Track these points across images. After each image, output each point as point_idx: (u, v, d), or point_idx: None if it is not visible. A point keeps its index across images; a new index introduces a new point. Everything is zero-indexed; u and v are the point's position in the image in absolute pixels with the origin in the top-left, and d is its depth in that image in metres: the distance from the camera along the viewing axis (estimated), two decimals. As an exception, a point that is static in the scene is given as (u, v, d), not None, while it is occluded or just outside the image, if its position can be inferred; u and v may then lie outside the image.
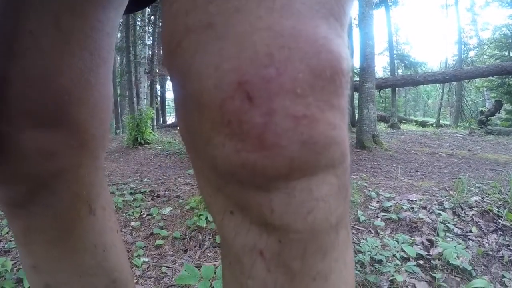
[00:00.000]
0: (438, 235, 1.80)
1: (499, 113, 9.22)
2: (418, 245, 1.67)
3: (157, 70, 11.73)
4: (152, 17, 10.58)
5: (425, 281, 1.38)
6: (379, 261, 1.43)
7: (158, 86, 13.13)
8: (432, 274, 1.42)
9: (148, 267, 1.69)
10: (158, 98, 12.48)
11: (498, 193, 2.69)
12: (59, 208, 0.46)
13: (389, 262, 1.44)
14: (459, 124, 10.14)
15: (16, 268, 1.54)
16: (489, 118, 8.32)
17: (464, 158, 4.65)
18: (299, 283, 0.29)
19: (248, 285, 0.30)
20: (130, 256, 1.77)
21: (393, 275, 1.35)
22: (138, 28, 9.34)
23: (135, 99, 8.40)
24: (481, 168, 4.02)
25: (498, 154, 5.13)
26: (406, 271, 1.42)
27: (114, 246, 0.53)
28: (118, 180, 3.68)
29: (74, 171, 0.46)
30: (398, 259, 1.48)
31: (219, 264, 1.28)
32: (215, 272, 0.96)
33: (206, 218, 1.92)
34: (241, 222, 0.28)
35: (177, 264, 1.65)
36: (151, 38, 11.00)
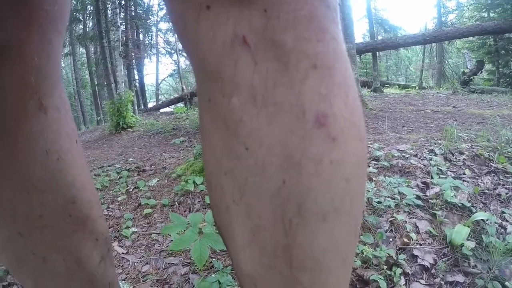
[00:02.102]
0: (432, 178, 1.77)
1: (481, 73, 9.29)
2: (414, 188, 1.64)
3: (133, 54, 11.38)
4: (123, 1, 10.17)
5: (426, 219, 1.34)
6: (378, 203, 1.39)
7: (135, 72, 12.77)
8: (433, 212, 1.39)
9: (138, 237, 1.62)
10: (137, 84, 12.14)
11: (487, 141, 2.68)
12: (1, 97, 0.37)
13: (387, 200, 1.40)
14: (441, 85, 10.20)
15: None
16: (471, 78, 8.37)
17: (450, 114, 4.67)
18: (295, 69, 0.23)
19: (233, 105, 0.26)
20: (119, 229, 1.70)
21: (393, 216, 1.31)
22: (109, 13, 8.99)
23: (113, 85, 8.18)
24: (467, 122, 4.04)
25: (482, 109, 5.17)
26: (405, 211, 1.38)
27: (71, 156, 0.44)
28: (103, 163, 3.56)
29: (19, 47, 0.36)
30: (395, 199, 1.44)
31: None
32: (203, 220, 0.89)
33: (194, 182, 1.84)
34: (219, 14, 0.25)
35: (167, 229, 1.57)
36: (124, 23, 10.64)
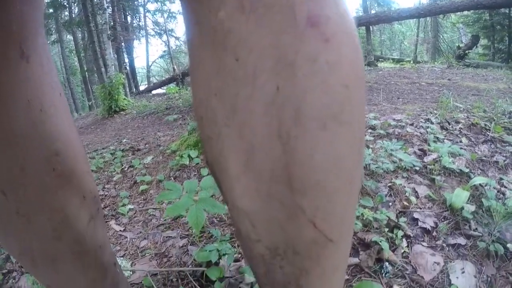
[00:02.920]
0: (429, 145, 1.76)
1: (476, 48, 9.21)
2: (411, 155, 1.62)
3: (122, 37, 11.13)
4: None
5: (425, 185, 1.33)
6: (376, 167, 1.38)
7: (125, 55, 12.51)
8: (431, 177, 1.38)
9: (134, 213, 1.60)
10: (128, 67, 11.92)
11: (483, 112, 2.67)
12: None
13: (386, 163, 1.38)
14: (436, 60, 10.13)
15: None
16: (466, 52, 8.29)
17: (445, 86, 4.64)
18: None
19: (220, 18, 0.24)
20: (115, 207, 1.68)
21: (392, 181, 1.30)
22: (95, -2, 8.73)
23: (103, 69, 8.04)
24: (462, 94, 4.02)
25: (478, 83, 5.13)
26: (403, 177, 1.37)
27: (54, 108, 0.41)
28: (97, 147, 3.52)
29: None
30: (394, 162, 1.42)
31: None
32: (199, 186, 0.86)
33: (189, 156, 1.82)
34: None
35: (164, 204, 1.56)
36: (110, 6, 10.35)
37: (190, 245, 1.15)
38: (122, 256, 1.24)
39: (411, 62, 9.33)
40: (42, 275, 0.48)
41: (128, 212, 1.59)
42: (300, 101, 0.24)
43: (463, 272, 0.84)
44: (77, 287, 0.50)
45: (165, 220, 1.41)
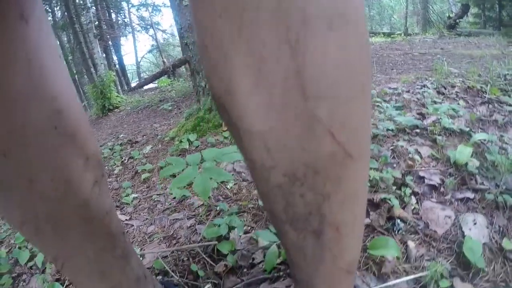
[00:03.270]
0: (427, 108, 1.75)
1: (466, 16, 9.12)
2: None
3: (108, 36, 10.97)
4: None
5: (427, 145, 1.32)
6: (377, 131, 1.37)
7: (113, 52, 12.36)
8: (432, 138, 1.37)
9: (139, 202, 1.59)
10: (117, 65, 11.79)
11: (478, 76, 2.66)
12: None
13: (387, 123, 1.38)
14: (427, 31, 10.04)
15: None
16: (457, 21, 8.22)
17: (438, 55, 4.61)
18: None
19: None
20: (119, 198, 1.67)
21: (393, 144, 1.29)
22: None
23: (92, 69, 7.96)
24: (456, 61, 3.99)
25: (471, 50, 5.10)
26: (405, 139, 1.36)
27: (54, 69, 0.40)
28: (94, 145, 3.48)
29: None
30: (396, 122, 1.42)
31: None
32: (202, 158, 0.85)
33: (188, 140, 1.80)
34: None
35: (167, 189, 1.55)
36: (93, 5, 10.16)
37: (198, 224, 1.15)
38: (131, 244, 1.23)
39: (402, 35, 9.26)
40: (48, 245, 0.46)
41: (132, 201, 1.58)
42: (305, 1, 0.23)
43: (475, 224, 0.84)
44: (85, 256, 0.48)
45: (170, 204, 1.40)
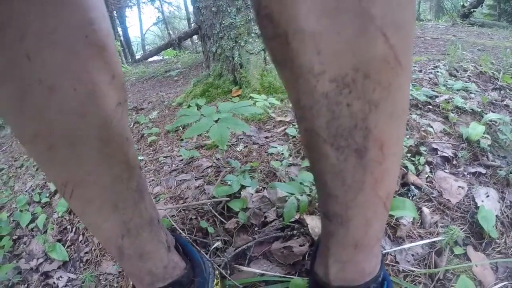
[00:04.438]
0: (439, 87, 1.73)
1: (481, 7, 8.87)
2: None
3: (113, 6, 10.74)
4: None
5: (439, 121, 1.31)
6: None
7: (118, 23, 12.13)
8: (445, 115, 1.36)
9: (145, 164, 1.58)
10: (122, 37, 11.60)
11: (491, 64, 2.61)
12: None
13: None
14: (440, 18, 9.82)
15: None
16: (471, 11, 8.01)
17: (450, 41, 4.51)
18: None
19: None
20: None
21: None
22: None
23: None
24: (469, 48, 3.92)
25: (484, 40, 4.99)
26: (417, 114, 1.34)
27: None
28: (97, 112, 3.46)
29: None
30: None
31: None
32: (217, 109, 0.84)
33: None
34: None
35: (174, 152, 1.54)
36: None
37: (206, 184, 1.14)
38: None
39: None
40: (60, 165, 0.43)
41: (138, 163, 1.58)
42: None
43: (487, 196, 0.84)
44: (99, 183, 0.45)
45: (177, 166, 1.40)
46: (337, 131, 0.33)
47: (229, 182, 0.94)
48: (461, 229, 0.77)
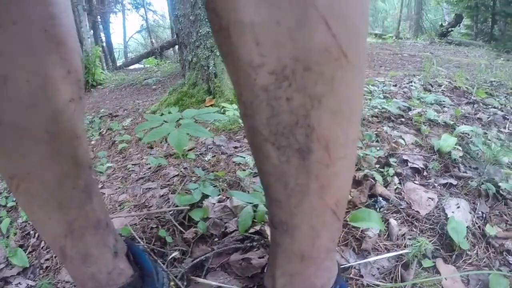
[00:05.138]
0: (413, 101, 1.74)
1: (459, 26, 9.24)
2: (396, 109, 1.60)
3: (97, 11, 10.64)
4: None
5: (411, 133, 1.31)
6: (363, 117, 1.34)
7: (101, 29, 11.99)
8: (417, 127, 1.36)
9: (113, 171, 1.52)
10: (104, 44, 11.46)
11: (465, 80, 2.68)
12: None
13: (371, 118, 1.35)
14: (419, 37, 10.15)
15: None
16: (449, 30, 8.33)
17: (427, 58, 4.65)
18: None
19: None
20: (94, 168, 1.60)
21: (378, 130, 1.27)
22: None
23: (78, 43, 7.75)
24: (445, 66, 4.04)
25: (460, 57, 5.17)
26: (389, 126, 1.34)
27: None
28: (72, 118, 3.37)
29: None
30: (382, 108, 1.39)
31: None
32: (180, 117, 0.80)
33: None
34: None
35: (143, 159, 1.48)
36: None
37: (171, 193, 1.09)
38: (100, 212, 1.18)
39: (394, 37, 9.33)
40: (6, 157, 0.43)
41: (106, 170, 1.51)
42: None
43: (458, 207, 0.82)
44: (45, 179, 0.44)
45: (144, 174, 1.34)
46: (277, 128, 0.30)
47: (192, 192, 0.89)
48: (430, 241, 0.75)
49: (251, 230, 0.74)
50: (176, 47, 8.84)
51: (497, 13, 9.30)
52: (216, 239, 0.78)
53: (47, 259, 1.03)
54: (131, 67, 9.35)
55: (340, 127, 0.31)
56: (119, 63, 11.53)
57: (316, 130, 0.30)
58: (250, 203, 0.71)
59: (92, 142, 2.03)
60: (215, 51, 1.90)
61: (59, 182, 0.46)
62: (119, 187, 1.32)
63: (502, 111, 1.87)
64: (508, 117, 1.75)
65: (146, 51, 8.65)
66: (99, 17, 11.19)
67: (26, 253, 1.06)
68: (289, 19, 0.26)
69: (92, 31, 10.40)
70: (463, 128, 1.30)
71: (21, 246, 1.11)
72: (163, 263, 0.78)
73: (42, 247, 1.09)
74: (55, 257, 1.02)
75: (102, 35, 11.95)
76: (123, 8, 13.97)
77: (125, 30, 15.03)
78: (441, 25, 8.85)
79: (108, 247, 0.55)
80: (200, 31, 1.92)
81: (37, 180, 0.44)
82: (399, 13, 12.91)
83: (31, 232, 1.18)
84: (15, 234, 1.18)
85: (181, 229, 0.84)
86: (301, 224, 0.37)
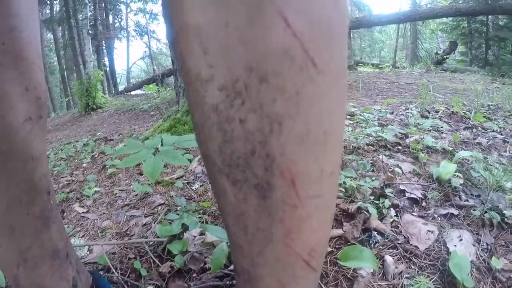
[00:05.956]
0: (409, 128, 1.70)
1: (454, 54, 9.40)
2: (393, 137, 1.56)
3: (102, 36, 10.90)
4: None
5: (408, 162, 1.26)
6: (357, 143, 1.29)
7: (105, 53, 12.24)
8: (415, 155, 1.31)
9: (100, 196, 1.47)
10: (107, 68, 11.66)
11: (462, 105, 2.67)
12: None
13: (366, 147, 1.30)
14: (415, 66, 10.32)
15: None
16: (444, 58, 8.46)
17: (424, 86, 4.67)
18: None
19: None
20: (81, 191, 1.55)
21: (374, 158, 1.22)
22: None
23: (81, 66, 7.94)
24: (441, 92, 4.05)
25: (456, 84, 5.21)
26: (386, 155, 1.29)
27: None
28: (70, 140, 3.37)
29: None
30: (373, 145, 1.34)
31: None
32: (161, 144, 0.75)
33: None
34: None
35: (131, 186, 1.43)
36: (91, 3, 10.17)
37: (154, 222, 1.03)
38: (82, 237, 1.12)
39: (390, 67, 9.47)
40: None
41: (93, 194, 1.46)
42: None
43: (461, 240, 0.76)
44: None
45: (130, 201, 1.28)
46: (231, 158, 0.25)
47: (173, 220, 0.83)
48: (431, 279, 0.68)
49: (231, 267, 0.67)
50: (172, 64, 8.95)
51: (491, 38, 9.50)
52: (194, 275, 0.72)
53: None
54: (132, 92, 9.46)
55: (311, 157, 0.25)
56: (121, 88, 11.68)
57: (278, 161, 0.24)
58: (225, 239, 0.65)
59: (84, 165, 1.99)
60: (209, 77, 1.89)
61: (10, 207, 0.42)
62: (104, 213, 1.26)
63: (501, 134, 1.83)
64: (508, 140, 1.70)
65: (148, 78, 8.75)
66: (103, 42, 11.44)
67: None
68: (238, 18, 0.21)
69: (95, 55, 10.61)
70: (462, 153, 1.24)
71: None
72: (137, 298, 0.72)
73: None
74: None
75: (106, 59, 12.18)
76: (128, 35, 14.32)
77: (129, 56, 15.34)
78: (436, 53, 9.00)
79: (66, 280, 0.50)
80: (195, 57, 1.92)
81: None
82: (395, 43, 13.18)
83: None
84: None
85: (158, 262, 0.78)
86: (266, 276, 0.30)
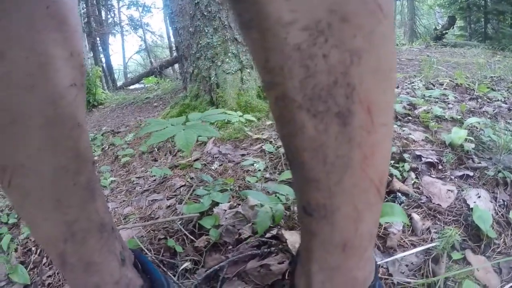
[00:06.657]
0: (417, 100, 1.72)
1: (453, 28, 9.31)
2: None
3: (96, 33, 10.83)
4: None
5: (420, 130, 1.28)
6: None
7: (101, 50, 12.18)
8: (425, 124, 1.33)
9: (117, 185, 1.49)
10: (104, 64, 11.61)
11: (465, 78, 2.67)
12: None
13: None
14: (414, 42, 10.22)
15: None
16: (443, 33, 8.38)
17: (424, 61, 4.66)
18: None
19: None
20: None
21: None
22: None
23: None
24: (443, 66, 4.04)
25: (457, 58, 5.18)
26: (397, 125, 1.31)
27: None
28: (75, 138, 3.37)
29: None
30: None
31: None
32: (186, 119, 0.77)
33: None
34: None
35: (147, 173, 1.45)
36: (84, 1, 10.05)
37: (179, 203, 1.06)
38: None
39: (390, 44, 9.38)
40: None
41: (110, 184, 1.49)
42: None
43: (479, 197, 0.79)
44: (40, 172, 0.39)
45: (149, 186, 1.31)
46: (313, 91, 0.27)
47: (201, 200, 0.85)
48: (457, 232, 0.71)
49: (268, 235, 0.70)
50: (176, 65, 8.92)
51: (489, 12, 9.37)
52: (230, 247, 0.74)
53: (49, 276, 0.99)
54: (131, 87, 9.42)
55: (381, 88, 0.28)
56: (119, 83, 11.64)
57: (357, 89, 0.27)
58: (267, 202, 0.68)
59: (95, 158, 2.01)
60: (216, 61, 1.89)
61: (57, 176, 0.40)
62: (124, 200, 1.29)
63: (505, 103, 1.85)
64: (512, 108, 1.73)
65: (146, 71, 8.73)
66: (98, 38, 11.37)
67: (28, 270, 1.03)
68: None
69: (91, 53, 10.56)
70: (471, 120, 1.27)
71: (22, 262, 1.08)
72: (174, 275, 0.74)
73: (44, 264, 1.05)
74: (57, 273, 0.98)
75: (102, 56, 12.12)
76: (122, 30, 14.20)
77: (124, 51, 15.24)
78: (435, 29, 8.90)
79: (114, 253, 0.49)
80: (200, 42, 1.92)
81: (31, 173, 0.39)
82: (393, 20, 13.04)
83: (33, 248, 1.14)
84: (16, 250, 1.14)
85: (192, 238, 0.80)
86: (343, 206, 0.32)
